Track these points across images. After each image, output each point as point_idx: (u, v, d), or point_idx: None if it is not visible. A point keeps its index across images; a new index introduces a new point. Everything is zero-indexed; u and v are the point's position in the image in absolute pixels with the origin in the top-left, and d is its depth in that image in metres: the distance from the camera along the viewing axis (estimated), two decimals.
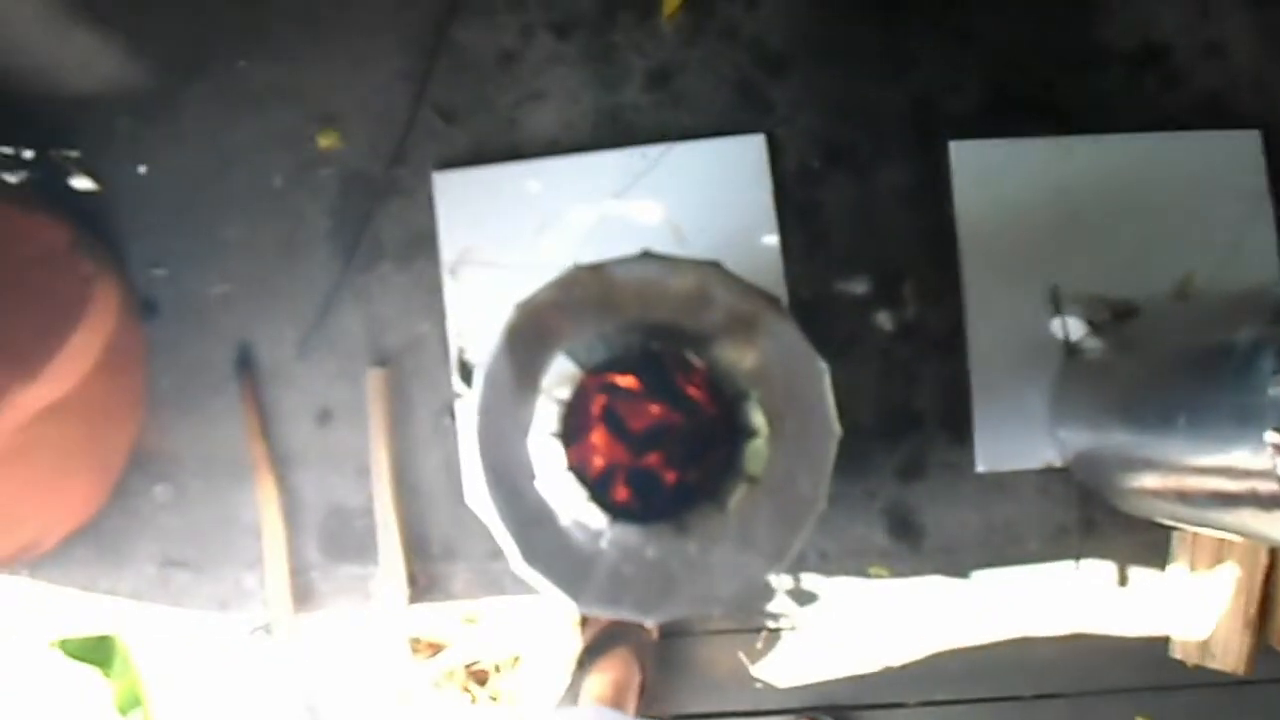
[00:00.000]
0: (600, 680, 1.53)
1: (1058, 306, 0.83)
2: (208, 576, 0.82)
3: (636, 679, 1.55)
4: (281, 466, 0.81)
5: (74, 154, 0.84)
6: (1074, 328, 0.82)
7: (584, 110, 0.84)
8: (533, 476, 0.52)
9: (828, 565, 0.82)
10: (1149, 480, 0.75)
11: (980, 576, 1.59)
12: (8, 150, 0.83)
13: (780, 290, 0.82)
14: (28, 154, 0.84)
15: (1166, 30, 0.87)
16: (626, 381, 0.62)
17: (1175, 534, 1.59)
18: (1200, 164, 0.86)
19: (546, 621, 1.44)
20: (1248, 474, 0.61)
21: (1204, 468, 0.67)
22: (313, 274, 0.83)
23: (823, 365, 0.54)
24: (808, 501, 0.52)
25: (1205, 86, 0.87)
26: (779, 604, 1.63)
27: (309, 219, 0.83)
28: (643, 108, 0.84)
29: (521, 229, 0.82)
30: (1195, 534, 1.55)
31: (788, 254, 0.83)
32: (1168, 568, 1.61)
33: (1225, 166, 0.86)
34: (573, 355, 0.52)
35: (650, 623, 0.52)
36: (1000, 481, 0.83)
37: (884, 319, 0.83)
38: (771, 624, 1.63)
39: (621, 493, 0.59)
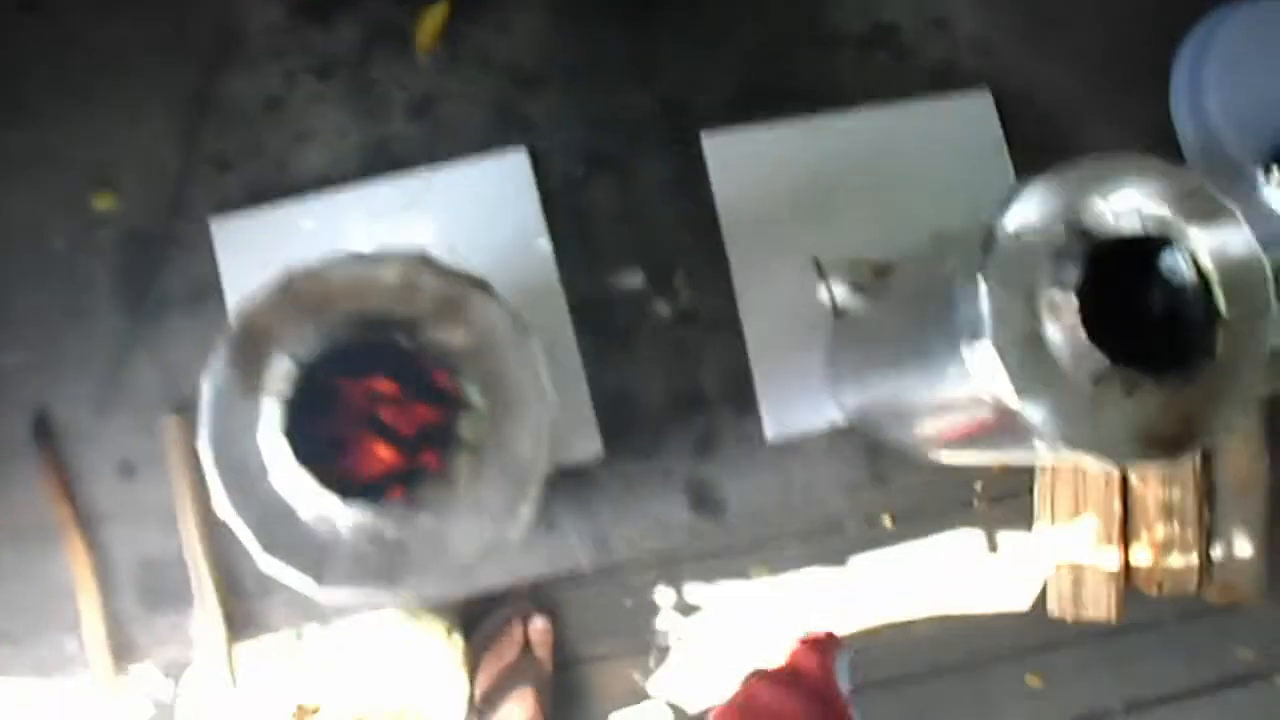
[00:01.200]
0: None
1: (821, 274, 0.87)
2: (27, 645, 0.82)
3: (542, 717, 1.56)
4: (89, 525, 0.82)
5: None
6: (840, 293, 0.87)
7: (351, 146, 0.88)
8: (265, 473, 0.55)
9: (634, 549, 0.84)
10: (906, 424, 0.79)
11: (856, 561, 1.64)
12: None
13: (556, 291, 0.86)
14: None
15: (894, 11, 0.94)
16: (386, 387, 0.65)
17: (1036, 494, 1.66)
18: (938, 127, 0.92)
19: (431, 670, 1.45)
20: (968, 402, 0.66)
21: (938, 404, 0.71)
22: (102, 333, 0.84)
23: (532, 337, 0.57)
24: (530, 463, 0.55)
25: (934, 57, 0.94)
26: (663, 620, 1.66)
27: (94, 279, 0.85)
28: (408, 137, 0.88)
29: (299, 264, 0.84)
30: (1052, 492, 1.62)
31: (562, 257, 0.87)
32: (1033, 528, 1.68)
33: (962, 126, 0.92)
34: (293, 354, 0.55)
35: (396, 597, 0.54)
36: (792, 447, 0.86)
37: (661, 307, 0.87)
38: (660, 642, 1.65)
39: (398, 493, 0.61)
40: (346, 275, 0.57)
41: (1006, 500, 1.67)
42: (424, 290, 0.57)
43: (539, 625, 1.55)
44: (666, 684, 1.63)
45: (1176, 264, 0.62)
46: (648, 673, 1.62)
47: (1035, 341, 0.60)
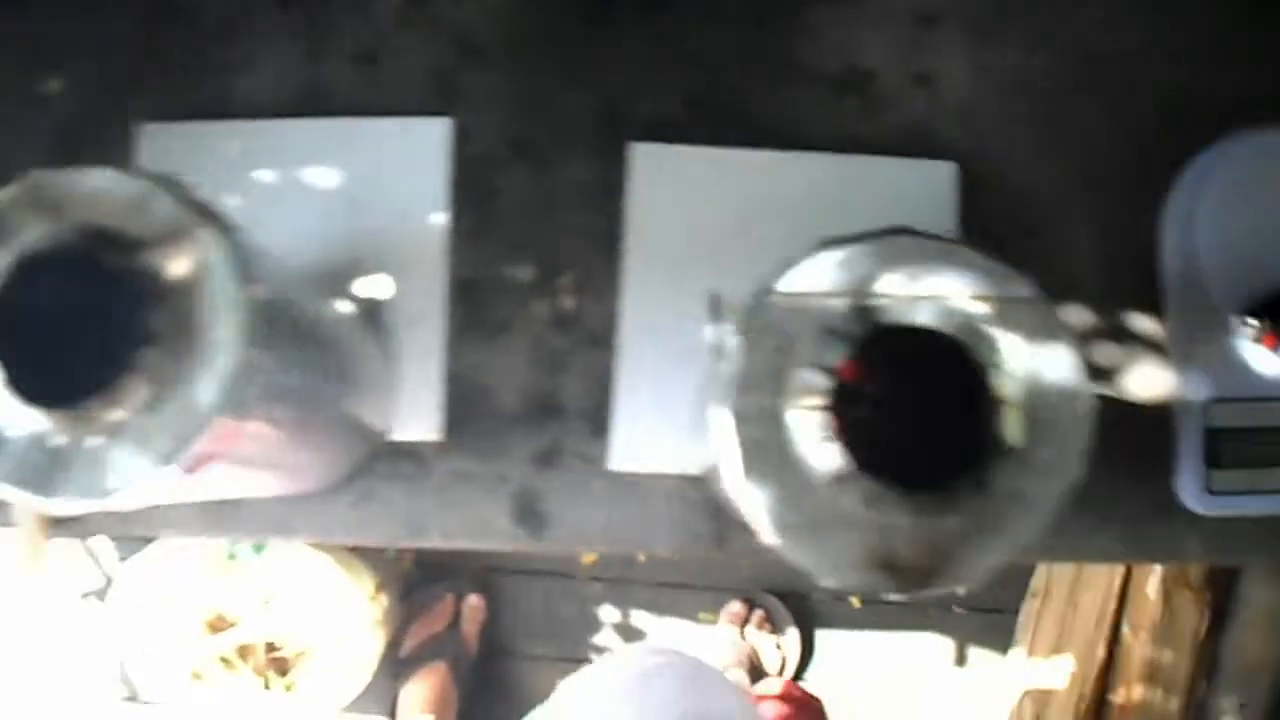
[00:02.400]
0: (420, 692, 1.53)
1: (714, 313, 0.82)
2: None
3: (455, 694, 1.55)
4: None
5: None
6: (725, 335, 0.82)
7: (293, 81, 0.88)
8: None
9: (448, 542, 0.82)
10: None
11: (826, 637, 1.55)
12: None
13: (439, 266, 0.84)
14: None
15: (874, 56, 0.87)
16: None
17: (1021, 617, 1.54)
18: (888, 190, 0.85)
19: (344, 618, 1.45)
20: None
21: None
22: None
23: (257, 286, 0.55)
24: (202, 414, 0.53)
25: (908, 116, 0.87)
26: (603, 637, 1.62)
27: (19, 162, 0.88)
28: (347, 84, 0.88)
29: (215, 187, 0.84)
30: (1038, 619, 1.50)
31: (458, 235, 0.85)
32: (1009, 653, 1.56)
33: (915, 195, 0.85)
34: (18, 248, 0.55)
35: (43, 511, 0.53)
36: (634, 482, 0.82)
37: (541, 308, 0.84)
38: (594, 656, 1.61)
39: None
40: (88, 185, 0.56)
41: (990, 614, 1.55)
42: (155, 214, 0.55)
43: (471, 602, 1.54)
44: None
45: (973, 375, 0.55)
46: None
47: (780, 422, 0.54)
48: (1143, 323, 0.86)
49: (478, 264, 0.85)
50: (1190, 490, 0.82)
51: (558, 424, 0.83)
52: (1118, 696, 1.44)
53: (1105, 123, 0.88)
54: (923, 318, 0.54)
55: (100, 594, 1.52)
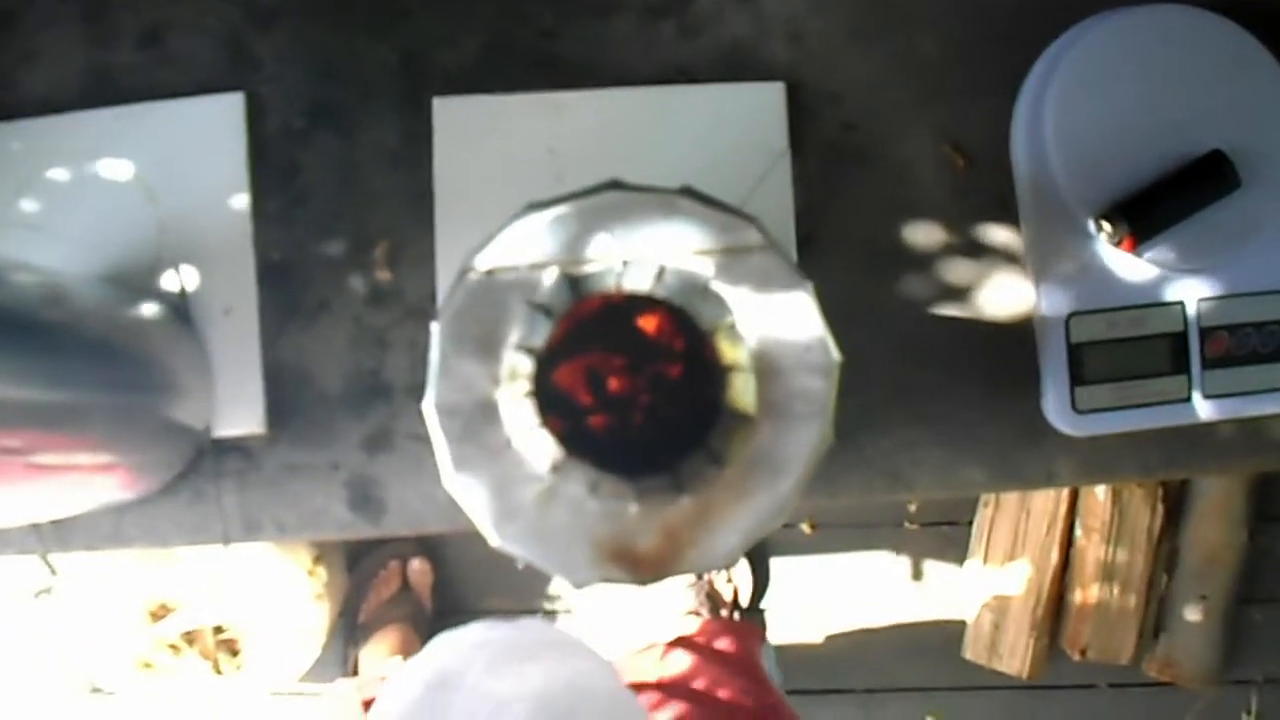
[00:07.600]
0: (383, 648, 1.53)
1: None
2: None
3: (419, 646, 1.55)
4: None
5: None
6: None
7: (76, 70, 0.83)
8: None
9: (285, 536, 0.79)
10: None
11: (782, 564, 1.52)
12: None
13: (247, 251, 0.80)
14: None
15: None
16: None
17: (975, 527, 1.51)
18: (711, 118, 0.79)
19: (285, 593, 1.45)
20: None
21: None
22: None
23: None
24: None
25: (730, 36, 0.81)
26: (555, 586, 1.61)
27: None
28: (134, 67, 0.83)
29: (4, 191, 0.82)
30: (990, 528, 1.47)
31: (264, 216, 0.80)
32: (965, 564, 1.53)
33: (743, 120, 0.80)
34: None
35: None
36: None
37: (357, 284, 0.80)
38: (548, 605, 1.61)
39: None
40: None
41: (942, 527, 1.51)
42: None
43: (415, 566, 1.54)
44: None
45: (696, 341, 0.51)
46: None
47: (490, 412, 0.50)
48: (998, 235, 0.80)
49: (287, 245, 0.80)
50: (1057, 411, 0.77)
51: (385, 405, 0.79)
52: (1075, 597, 1.40)
53: (949, 20, 0.81)
54: (638, 281, 0.50)
55: (51, 591, 1.52)
